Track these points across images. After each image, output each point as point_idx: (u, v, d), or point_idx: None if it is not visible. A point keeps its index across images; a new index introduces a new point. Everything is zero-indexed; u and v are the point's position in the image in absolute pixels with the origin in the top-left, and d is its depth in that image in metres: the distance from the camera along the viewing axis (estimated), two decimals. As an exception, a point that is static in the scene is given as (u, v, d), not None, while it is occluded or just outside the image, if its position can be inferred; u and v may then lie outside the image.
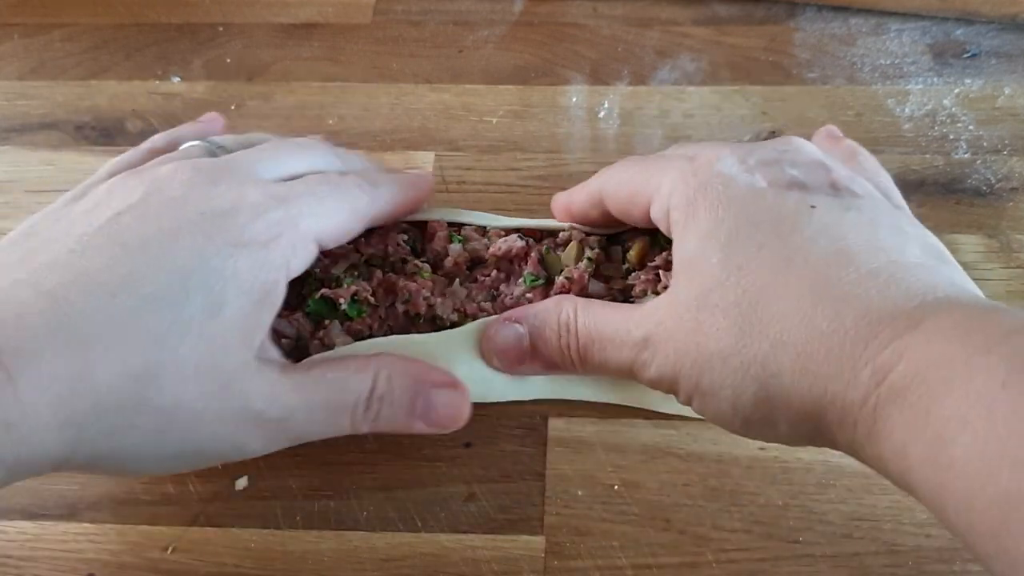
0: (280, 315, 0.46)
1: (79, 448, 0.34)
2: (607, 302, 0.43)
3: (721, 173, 0.39)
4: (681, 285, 0.38)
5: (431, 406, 0.42)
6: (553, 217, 0.50)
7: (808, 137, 0.59)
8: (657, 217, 0.41)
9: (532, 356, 0.43)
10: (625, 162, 0.45)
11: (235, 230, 0.38)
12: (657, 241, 0.48)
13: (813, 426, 0.34)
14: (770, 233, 0.36)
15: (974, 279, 0.37)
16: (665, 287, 0.46)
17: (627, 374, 0.40)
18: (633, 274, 0.48)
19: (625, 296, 0.47)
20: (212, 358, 0.36)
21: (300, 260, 0.41)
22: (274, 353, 0.41)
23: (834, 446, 0.35)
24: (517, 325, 0.43)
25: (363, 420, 0.40)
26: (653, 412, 0.47)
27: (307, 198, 0.41)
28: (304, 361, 0.42)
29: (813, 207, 0.37)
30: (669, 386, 0.38)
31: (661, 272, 0.46)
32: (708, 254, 0.37)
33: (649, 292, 0.47)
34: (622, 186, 0.43)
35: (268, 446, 0.39)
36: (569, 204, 0.48)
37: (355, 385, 0.40)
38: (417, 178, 0.49)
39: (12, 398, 0.32)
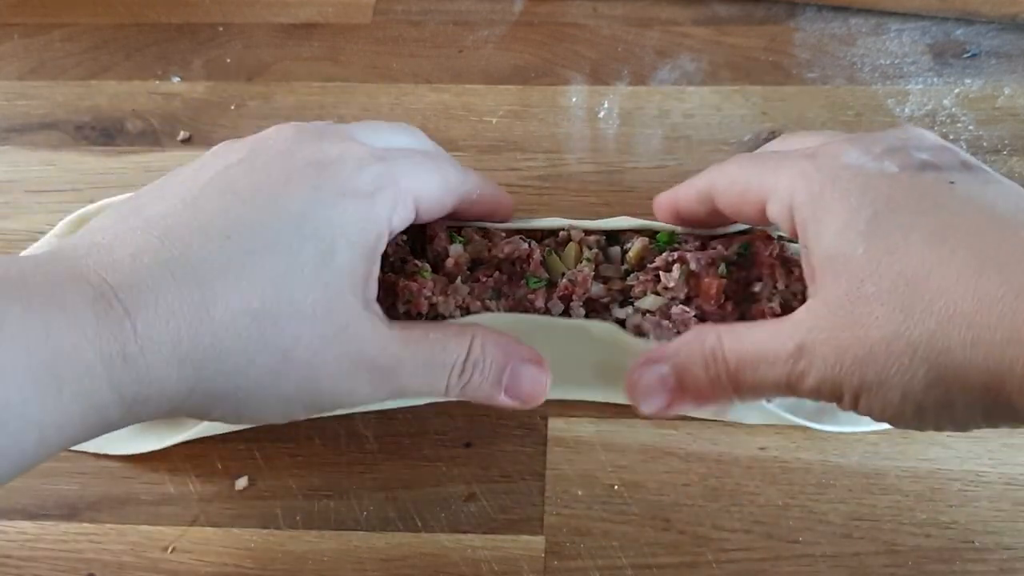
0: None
1: (197, 387, 0.35)
2: (747, 322, 0.42)
3: (848, 165, 0.38)
4: (828, 284, 0.36)
5: (518, 379, 0.42)
6: (553, 217, 0.50)
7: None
8: (776, 217, 0.40)
9: (680, 394, 0.41)
10: (737, 159, 0.44)
11: (342, 178, 0.39)
12: (656, 242, 0.48)
13: (991, 400, 0.33)
14: (915, 213, 0.35)
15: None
16: (665, 287, 0.46)
17: (784, 390, 0.38)
18: (632, 275, 0.48)
19: (624, 297, 0.47)
20: (328, 303, 0.37)
21: (401, 217, 0.41)
22: (377, 308, 0.41)
23: (1015, 418, 0.34)
24: (659, 366, 0.41)
25: (457, 384, 0.41)
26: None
27: (405, 161, 0.42)
28: (404, 322, 0.43)
29: (952, 183, 0.36)
30: (832, 391, 0.36)
31: (661, 273, 0.46)
32: (851, 246, 0.36)
33: (648, 292, 0.47)
34: (734, 183, 0.42)
35: (375, 394, 0.40)
36: (675, 202, 0.47)
37: (454, 347, 0.41)
38: (501, 189, 0.50)
39: (131, 332, 0.32)
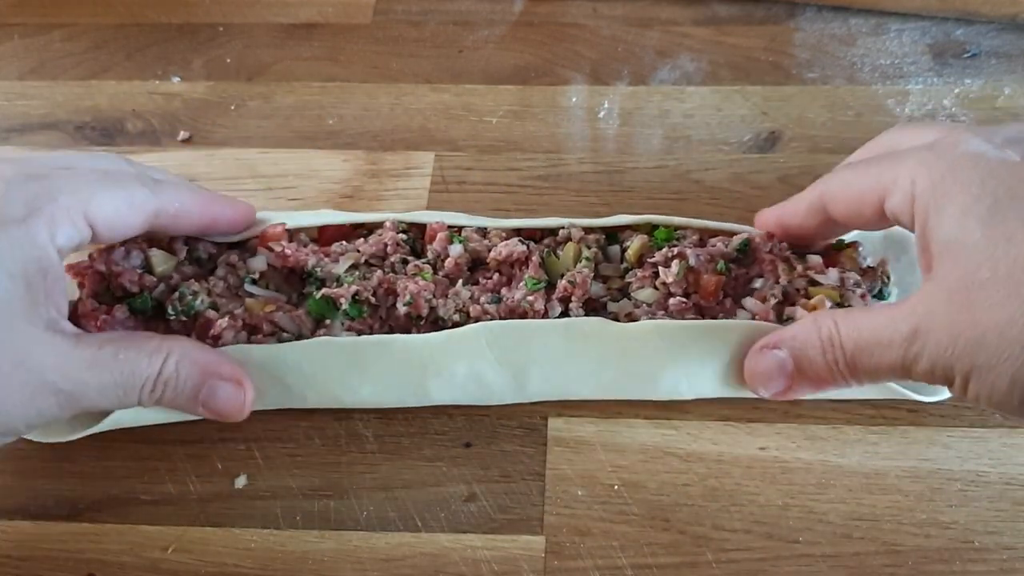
0: (283, 312, 0.47)
1: None
2: (862, 308, 0.42)
3: (969, 153, 0.38)
4: (945, 269, 0.37)
5: (214, 396, 0.43)
6: (551, 217, 0.50)
7: (811, 137, 0.60)
8: (897, 209, 0.40)
9: (799, 378, 0.43)
10: (847, 165, 0.45)
11: None
12: (655, 239, 0.48)
13: None
14: None
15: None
16: (664, 283, 0.46)
17: (899, 373, 0.39)
18: (631, 272, 0.48)
19: (623, 294, 0.48)
20: (1, 335, 0.38)
21: (68, 235, 0.41)
22: (67, 326, 0.42)
23: None
24: (777, 351, 0.43)
25: (149, 399, 0.42)
26: (653, 412, 0.47)
27: (67, 176, 0.42)
28: (102, 334, 0.43)
29: None
30: (944, 374, 0.37)
31: (660, 268, 0.46)
32: (969, 232, 0.36)
33: (647, 286, 0.47)
34: (849, 186, 0.43)
35: (64, 413, 0.41)
36: (781, 217, 0.47)
37: (144, 368, 0.41)
38: (227, 198, 0.49)
39: None
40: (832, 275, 0.46)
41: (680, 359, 0.45)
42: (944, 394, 0.46)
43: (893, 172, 0.40)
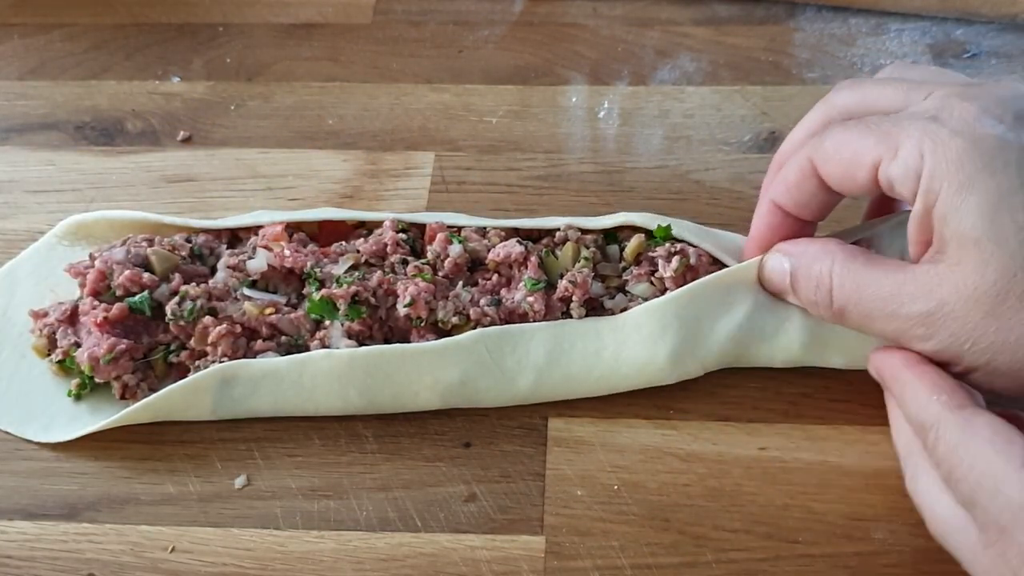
0: (282, 315, 0.47)
1: None
2: (873, 260, 0.40)
3: (988, 135, 0.37)
4: (970, 264, 0.36)
5: None
6: (551, 217, 0.50)
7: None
8: (895, 178, 0.38)
9: (793, 293, 0.44)
10: (841, 124, 0.42)
11: None
12: (654, 237, 0.48)
13: None
14: None
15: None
16: (660, 278, 0.46)
17: (891, 339, 0.40)
18: (628, 270, 0.48)
19: (621, 292, 0.48)
20: None
21: None
22: None
23: None
24: (783, 259, 0.44)
25: None
26: (653, 412, 0.47)
27: None
28: None
29: None
30: (950, 359, 0.38)
31: (660, 261, 0.46)
32: (1003, 231, 0.35)
33: (643, 282, 0.47)
34: (841, 148, 0.40)
35: None
36: (768, 188, 0.45)
37: None
38: None
39: None
40: None
41: (677, 332, 0.45)
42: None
43: (894, 138, 0.38)
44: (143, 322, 0.47)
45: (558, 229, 0.49)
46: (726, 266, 0.47)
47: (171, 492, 0.45)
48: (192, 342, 0.46)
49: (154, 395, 0.45)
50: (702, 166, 0.58)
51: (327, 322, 0.46)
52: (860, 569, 0.42)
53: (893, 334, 0.39)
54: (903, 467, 0.40)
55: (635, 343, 0.45)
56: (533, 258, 0.47)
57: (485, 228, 0.50)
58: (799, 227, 0.45)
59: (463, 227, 0.50)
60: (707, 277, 0.46)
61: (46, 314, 0.48)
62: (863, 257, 0.41)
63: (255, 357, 0.46)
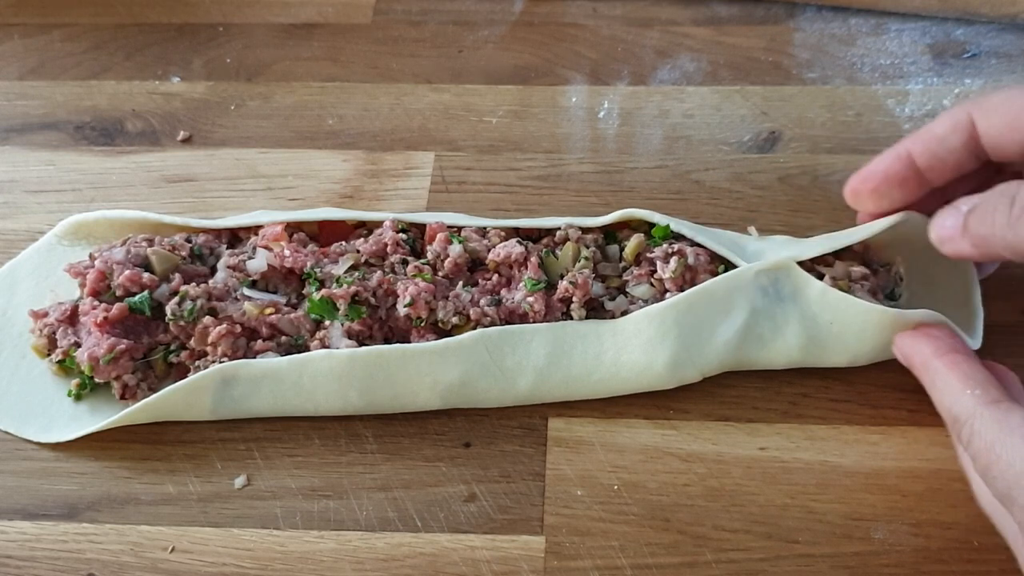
0: (282, 315, 0.47)
1: None
2: None
3: None
4: None
5: None
6: (549, 217, 0.50)
7: (810, 137, 0.60)
8: None
9: (965, 231, 0.38)
10: (1002, 87, 0.40)
11: None
12: (653, 237, 0.48)
13: None
14: None
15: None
16: (660, 279, 0.47)
17: None
18: (628, 271, 0.48)
19: (621, 293, 0.48)
20: None
21: None
22: None
23: None
24: (960, 206, 0.39)
25: None
26: (653, 412, 0.47)
27: None
28: None
29: None
30: None
31: (659, 263, 0.46)
32: None
33: (643, 283, 0.47)
34: (1006, 103, 0.38)
35: None
36: (904, 146, 0.42)
37: None
38: None
39: None
40: (838, 268, 0.46)
41: (676, 339, 0.45)
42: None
43: None
44: (143, 322, 0.47)
45: (558, 229, 0.49)
46: (725, 266, 0.47)
47: (171, 492, 0.45)
48: (192, 342, 0.46)
49: (154, 395, 0.45)
50: (702, 166, 0.58)
51: (327, 322, 0.47)
52: (860, 569, 0.42)
53: None
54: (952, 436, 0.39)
55: (634, 348, 0.45)
56: (533, 258, 0.47)
57: (485, 228, 0.50)
58: (913, 188, 0.42)
59: (463, 227, 0.50)
60: (707, 283, 0.45)
61: (46, 314, 0.48)
62: None
63: (255, 357, 0.46)
